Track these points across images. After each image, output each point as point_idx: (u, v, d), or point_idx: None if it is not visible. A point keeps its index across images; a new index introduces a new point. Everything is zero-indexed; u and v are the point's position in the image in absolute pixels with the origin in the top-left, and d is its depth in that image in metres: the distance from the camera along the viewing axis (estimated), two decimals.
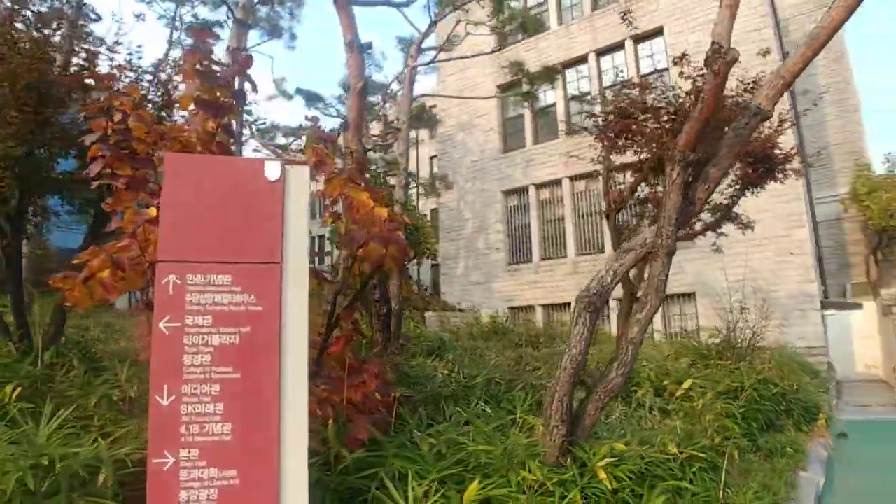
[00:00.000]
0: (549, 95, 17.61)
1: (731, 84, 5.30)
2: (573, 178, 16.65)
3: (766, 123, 4.91)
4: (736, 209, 6.46)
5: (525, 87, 15.34)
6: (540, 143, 17.55)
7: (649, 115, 5.25)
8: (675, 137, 4.80)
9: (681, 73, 6.06)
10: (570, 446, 3.18)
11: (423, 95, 14.92)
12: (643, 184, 5.35)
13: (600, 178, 15.97)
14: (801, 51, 3.30)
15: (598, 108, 5.93)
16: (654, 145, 4.89)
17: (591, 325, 3.21)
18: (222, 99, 3.06)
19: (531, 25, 10.20)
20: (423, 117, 15.88)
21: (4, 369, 3.43)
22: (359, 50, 5.17)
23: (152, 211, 2.54)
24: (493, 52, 13.61)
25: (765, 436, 5.21)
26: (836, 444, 6.15)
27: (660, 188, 5.23)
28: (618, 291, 5.10)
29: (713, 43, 3.24)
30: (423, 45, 10.14)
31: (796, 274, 12.35)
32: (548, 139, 17.42)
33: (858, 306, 15.41)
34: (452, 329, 11.76)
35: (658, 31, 15.46)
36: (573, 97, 17.19)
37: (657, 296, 3.29)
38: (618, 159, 6.32)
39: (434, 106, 19.17)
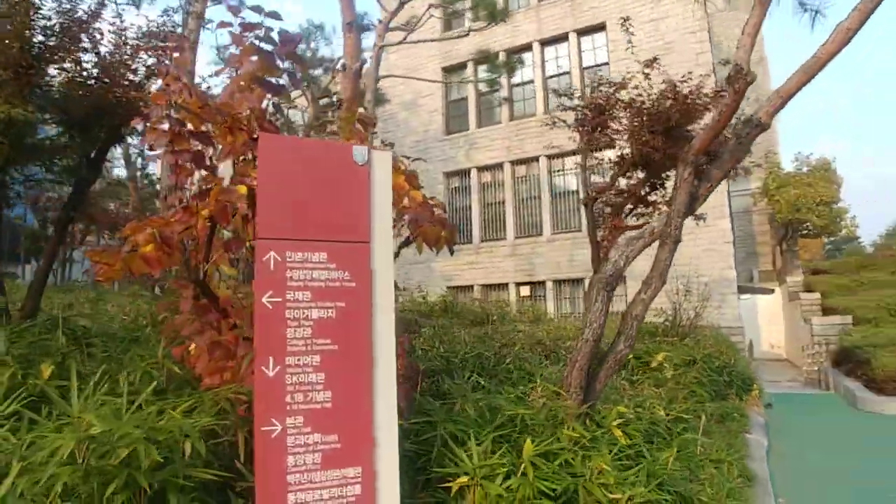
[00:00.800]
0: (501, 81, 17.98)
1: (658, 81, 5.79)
2: (514, 163, 17.20)
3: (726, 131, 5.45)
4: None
5: (470, 74, 15.60)
6: (483, 126, 17.94)
7: (627, 113, 5.68)
8: (655, 136, 5.28)
9: (647, 76, 6.40)
10: (589, 409, 3.56)
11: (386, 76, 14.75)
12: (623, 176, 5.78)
13: (539, 162, 16.69)
14: (799, 76, 3.76)
15: (569, 101, 6.27)
16: (633, 141, 5.33)
17: (608, 302, 3.58)
18: (277, 80, 3.11)
19: (497, 13, 10.41)
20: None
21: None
22: (357, 31, 5.20)
23: (242, 189, 2.58)
24: (443, 39, 13.72)
25: (716, 402, 5.92)
26: (766, 412, 7.06)
27: (632, 181, 5.69)
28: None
29: (735, 64, 3.61)
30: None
31: (720, 260, 13.64)
32: (491, 124, 17.83)
33: (770, 291, 17.18)
34: (400, 308, 11.98)
35: (601, 27, 16.18)
36: (517, 84, 17.66)
37: (661, 278, 3.71)
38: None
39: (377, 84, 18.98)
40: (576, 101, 6.34)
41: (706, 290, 8.55)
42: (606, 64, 15.84)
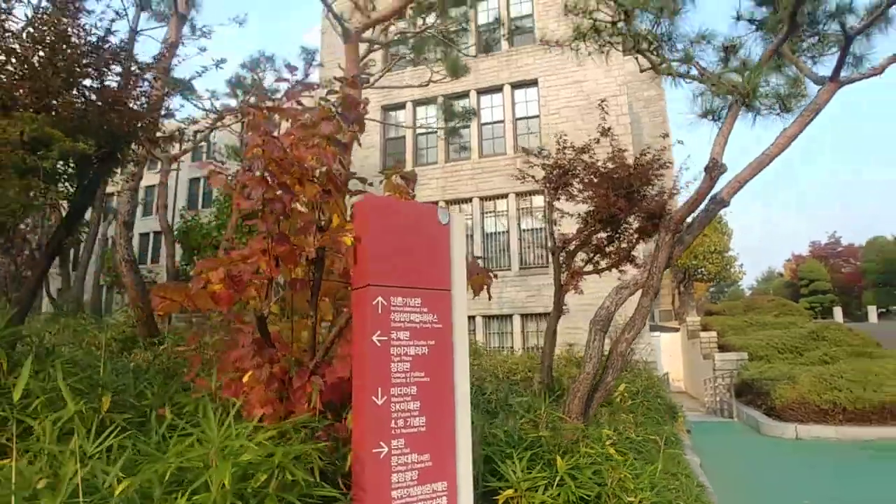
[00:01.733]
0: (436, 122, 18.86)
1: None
2: (450, 203, 18.03)
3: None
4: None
5: (409, 112, 16.26)
6: (419, 165, 18.67)
7: (588, 174, 6.56)
8: (619, 198, 6.14)
9: (597, 141, 7.31)
10: (584, 431, 4.17)
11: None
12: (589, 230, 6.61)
13: (471, 203, 17.62)
14: (752, 168, 4.71)
15: (536, 159, 7.09)
16: (599, 201, 6.17)
17: (602, 341, 4.25)
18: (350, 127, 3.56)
19: (459, 70, 11.19)
20: None
21: None
22: (360, 84, 5.67)
23: (347, 239, 2.94)
24: (377, 81, 14.32)
25: (655, 427, 6.79)
26: (689, 436, 8.12)
27: (602, 235, 6.55)
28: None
29: (712, 158, 4.47)
30: None
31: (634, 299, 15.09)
32: (427, 164, 18.61)
33: (675, 329, 19.04)
34: None
35: (533, 82, 17.60)
36: (453, 128, 18.63)
37: (642, 321, 4.45)
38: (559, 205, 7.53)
39: None
40: (541, 160, 7.13)
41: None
42: (537, 116, 17.23)
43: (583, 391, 4.12)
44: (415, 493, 2.72)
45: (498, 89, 18.03)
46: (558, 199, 6.92)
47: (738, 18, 5.29)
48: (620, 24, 4.97)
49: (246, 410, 3.48)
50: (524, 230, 17.03)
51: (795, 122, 4.54)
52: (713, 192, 4.74)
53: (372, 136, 19.18)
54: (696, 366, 17.40)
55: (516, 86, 17.70)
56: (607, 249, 6.57)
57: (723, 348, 16.11)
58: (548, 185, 6.82)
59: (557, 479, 3.29)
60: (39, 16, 4.29)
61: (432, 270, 2.98)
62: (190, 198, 35.99)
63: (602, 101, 7.96)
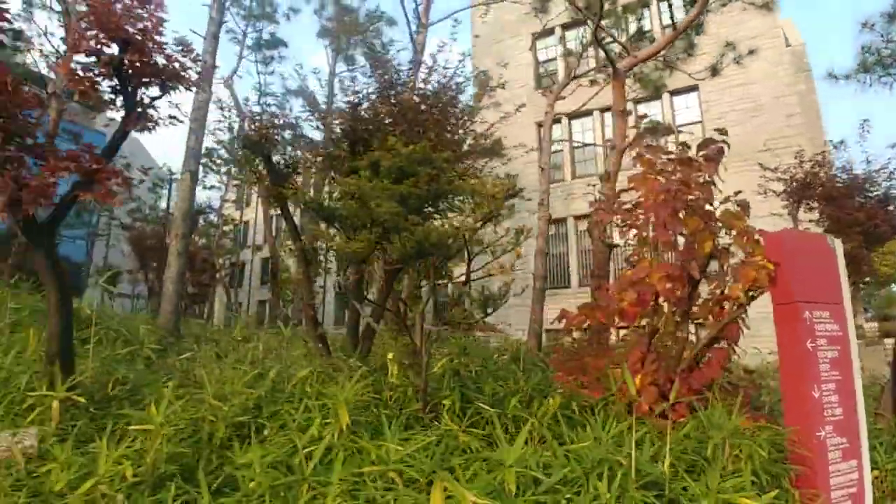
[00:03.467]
0: (588, 137, 19.37)
1: None
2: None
3: None
4: None
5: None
6: (577, 178, 19.23)
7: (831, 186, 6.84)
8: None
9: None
10: None
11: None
12: None
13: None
14: None
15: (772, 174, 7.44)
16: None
17: None
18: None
19: (659, 88, 11.83)
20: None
21: None
22: (624, 116, 6.47)
23: (769, 265, 3.68)
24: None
25: None
26: None
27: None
28: None
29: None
30: None
31: None
32: (587, 175, 19.14)
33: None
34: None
35: (692, 88, 17.54)
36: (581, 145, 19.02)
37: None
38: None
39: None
40: (776, 175, 7.46)
41: None
42: (699, 122, 17.15)
43: None
44: (841, 468, 3.37)
45: (655, 97, 18.16)
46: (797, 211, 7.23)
47: None
48: None
49: (636, 408, 4.31)
50: None
51: None
52: None
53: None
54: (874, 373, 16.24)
55: (675, 93, 17.73)
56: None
57: None
58: (790, 198, 7.17)
59: None
60: None
61: (830, 288, 3.63)
62: None
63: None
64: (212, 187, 28.83)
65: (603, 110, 18.51)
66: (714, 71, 10.12)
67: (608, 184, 6.81)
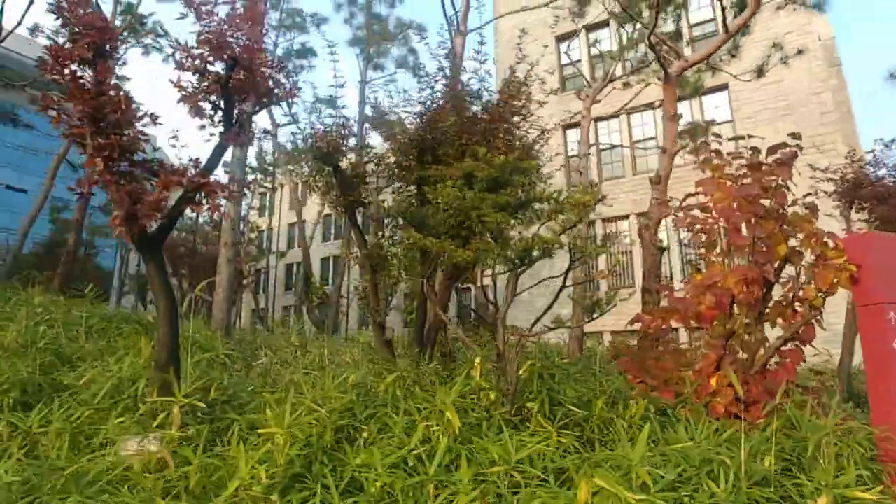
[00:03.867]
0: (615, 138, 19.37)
1: None
2: (640, 214, 18.36)
3: None
4: None
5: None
6: (606, 180, 19.22)
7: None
8: None
9: None
10: None
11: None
12: None
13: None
14: None
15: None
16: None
17: None
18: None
19: (696, 90, 11.86)
20: None
21: None
22: (675, 121, 6.52)
23: (852, 267, 3.72)
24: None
25: None
26: None
27: None
28: None
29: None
30: None
31: None
32: (615, 177, 19.12)
33: None
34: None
35: (722, 87, 17.46)
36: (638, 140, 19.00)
37: None
38: None
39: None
40: (827, 175, 7.44)
41: None
42: (730, 122, 17.07)
43: None
44: None
45: (685, 98, 18.10)
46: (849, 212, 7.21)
47: None
48: None
49: (712, 409, 4.35)
50: None
51: None
52: None
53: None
54: None
55: (704, 92, 17.66)
56: None
57: None
58: (842, 198, 7.15)
59: None
60: None
61: None
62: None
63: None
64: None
65: (629, 112, 18.48)
66: (760, 72, 10.10)
67: (659, 187, 6.85)
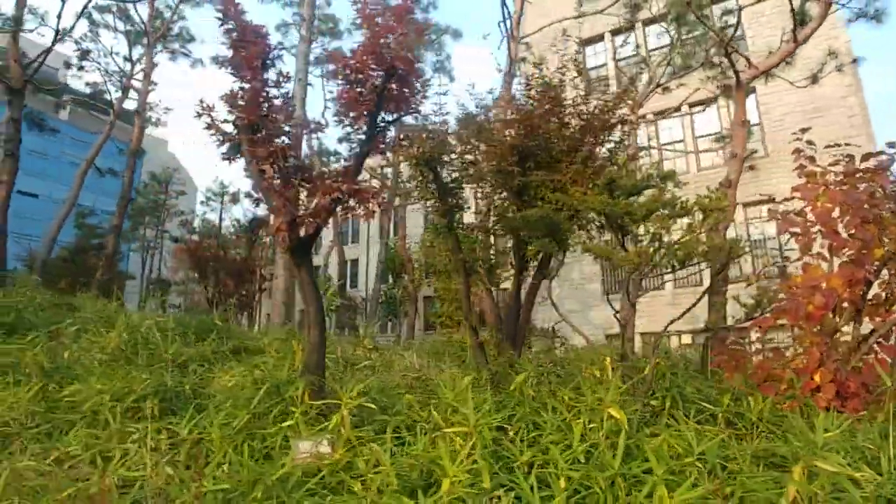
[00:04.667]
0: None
1: None
2: None
3: None
4: None
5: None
6: None
7: None
8: None
9: None
10: None
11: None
12: None
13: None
14: None
15: None
16: None
17: None
18: None
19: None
20: None
21: None
22: (745, 126, 6.64)
23: None
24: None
25: None
26: None
27: None
28: None
29: None
30: None
31: None
32: None
33: None
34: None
35: (749, 90, 17.56)
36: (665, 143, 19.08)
37: None
38: None
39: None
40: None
41: None
42: (758, 125, 17.16)
43: None
44: None
45: (709, 101, 18.23)
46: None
47: None
48: None
49: (816, 403, 4.47)
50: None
51: None
52: None
53: None
54: None
55: (731, 96, 17.78)
56: None
57: None
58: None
59: None
60: None
61: None
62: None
63: None
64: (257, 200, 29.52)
65: (658, 113, 18.63)
66: (814, 79, 10.24)
67: (730, 190, 6.97)
